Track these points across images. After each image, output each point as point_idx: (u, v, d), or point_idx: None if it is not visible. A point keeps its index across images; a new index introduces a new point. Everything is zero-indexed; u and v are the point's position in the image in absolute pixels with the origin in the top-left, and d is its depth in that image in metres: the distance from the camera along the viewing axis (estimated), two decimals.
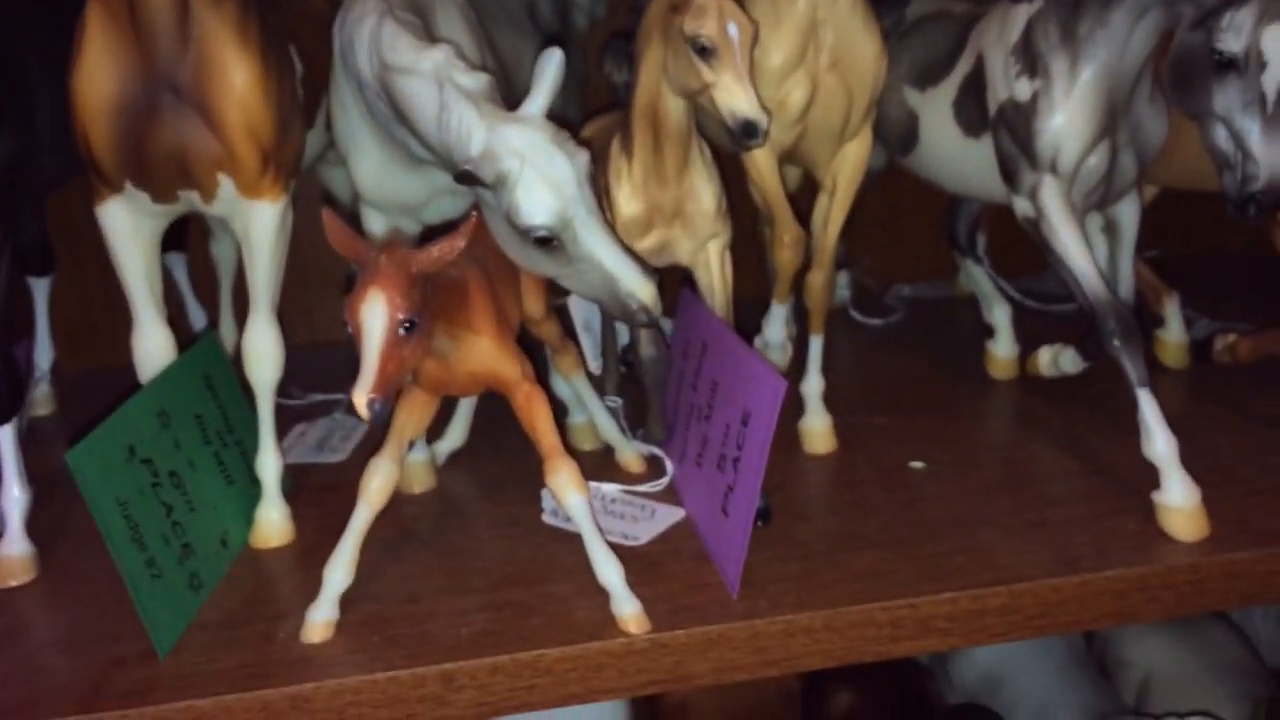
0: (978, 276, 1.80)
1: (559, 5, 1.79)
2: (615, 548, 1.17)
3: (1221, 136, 1.12)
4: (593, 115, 1.60)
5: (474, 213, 1.09)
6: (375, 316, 1.00)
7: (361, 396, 0.99)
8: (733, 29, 1.18)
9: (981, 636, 1.16)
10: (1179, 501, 1.21)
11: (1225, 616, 2.09)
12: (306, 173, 1.53)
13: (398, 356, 1.01)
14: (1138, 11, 1.19)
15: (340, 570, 1.15)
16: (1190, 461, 1.25)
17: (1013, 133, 1.32)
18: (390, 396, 1.01)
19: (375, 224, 1.44)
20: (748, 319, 1.67)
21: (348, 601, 1.16)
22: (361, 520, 1.17)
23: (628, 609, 1.11)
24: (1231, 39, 1.07)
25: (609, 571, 1.13)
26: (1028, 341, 1.75)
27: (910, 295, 2.23)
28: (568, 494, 1.15)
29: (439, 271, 1.07)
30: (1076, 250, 1.28)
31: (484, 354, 1.17)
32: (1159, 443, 1.23)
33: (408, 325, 1.01)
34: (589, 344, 1.65)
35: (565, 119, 1.64)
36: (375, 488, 1.17)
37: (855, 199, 1.77)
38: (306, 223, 1.35)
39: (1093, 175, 1.30)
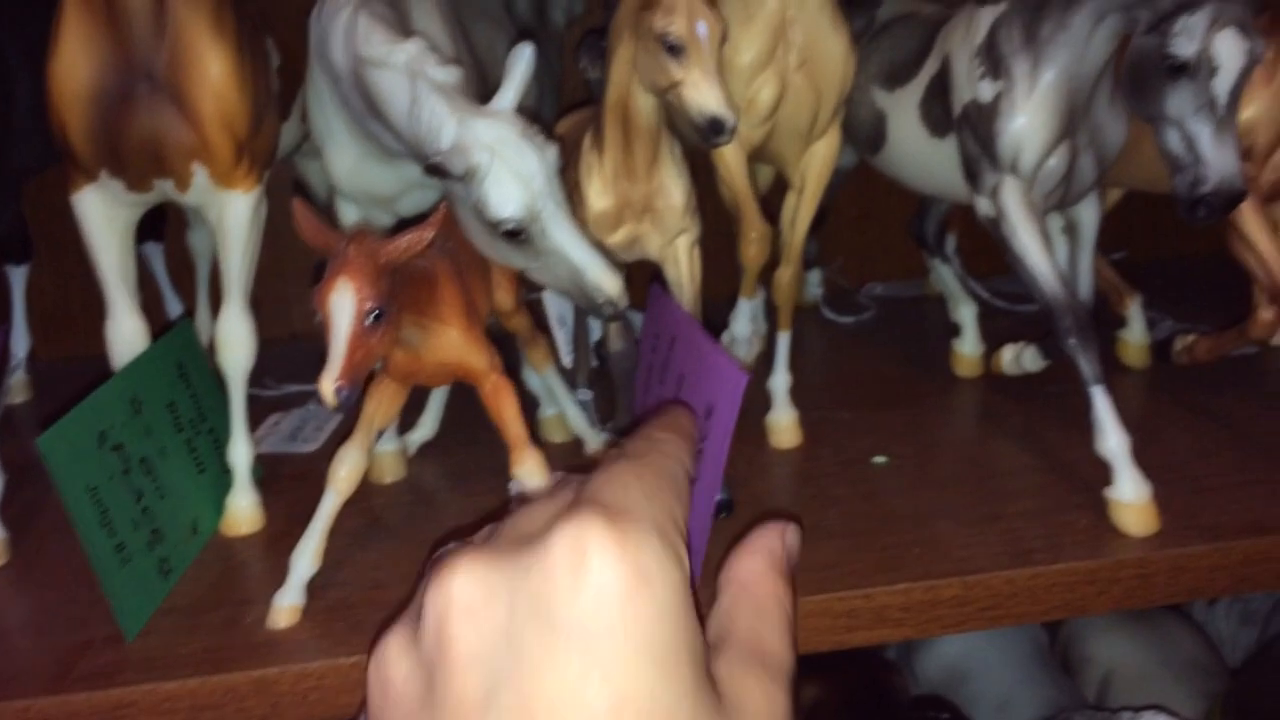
0: (945, 276, 1.83)
1: (536, 1, 1.81)
2: None
3: (1174, 139, 1.15)
4: (568, 110, 1.62)
5: (443, 205, 1.11)
6: (343, 305, 1.02)
7: (329, 384, 1.01)
8: (702, 27, 1.19)
9: (935, 627, 1.19)
10: (1130, 497, 1.24)
11: (1186, 614, 2.13)
12: (282, 163, 1.54)
13: (365, 345, 1.03)
14: (1097, 16, 1.22)
15: (307, 557, 1.17)
16: (1144, 458, 1.28)
17: (976, 133, 1.35)
18: (357, 384, 1.03)
19: (350, 216, 1.45)
20: (718, 315, 1.70)
21: (314, 588, 1.19)
22: (329, 508, 1.19)
23: None
24: (1184, 44, 1.09)
25: None
26: (995, 340, 1.78)
27: (882, 294, 2.26)
28: (533, 484, 1.17)
29: (408, 262, 1.08)
30: (1035, 250, 1.31)
31: (452, 345, 1.19)
32: (1111, 439, 1.26)
33: (375, 315, 1.03)
34: (562, 337, 1.67)
35: (538, 114, 1.67)
36: (343, 475, 1.19)
37: (825, 197, 1.80)
38: (283, 214, 1.36)
39: (1053, 176, 1.32)
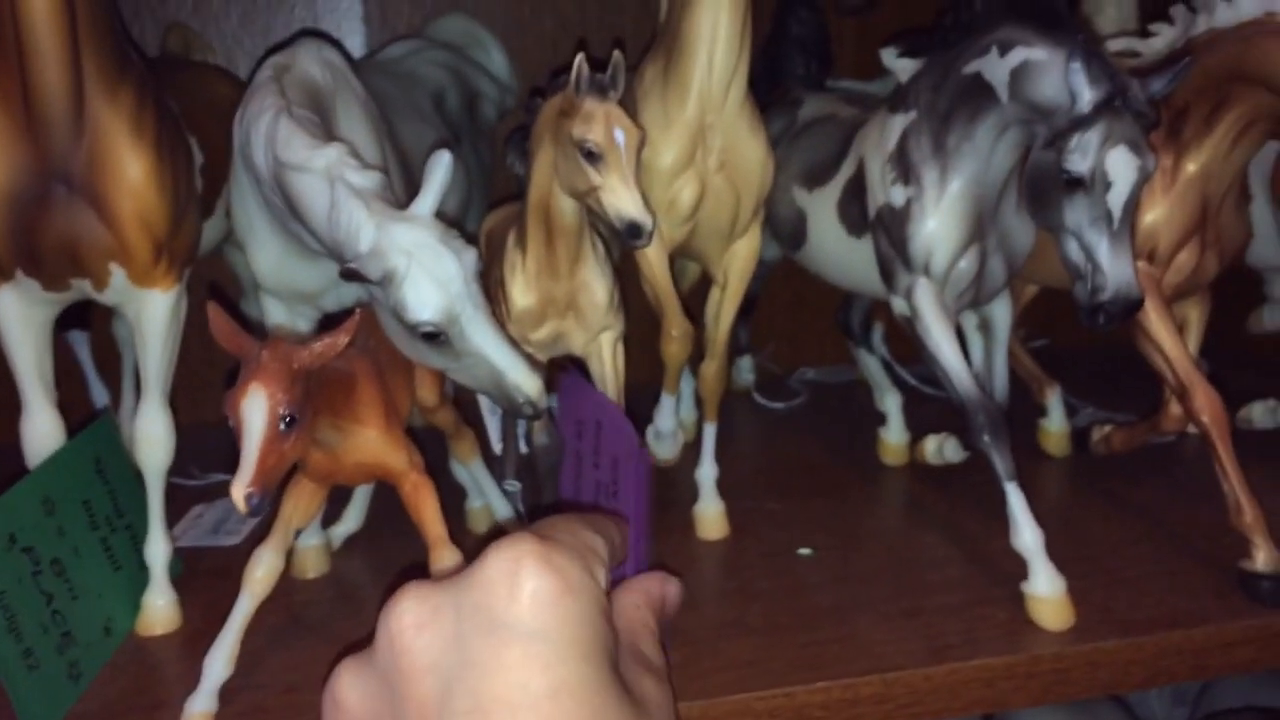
0: (869, 365, 1.86)
1: (466, 98, 1.84)
2: None
3: (1073, 249, 1.19)
4: (499, 204, 1.64)
5: (358, 310, 1.12)
6: (255, 411, 1.02)
7: (240, 490, 1.00)
8: (619, 135, 1.22)
9: None
10: (1045, 591, 1.26)
11: (1119, 697, 2.15)
12: (207, 256, 1.54)
13: (278, 451, 1.03)
14: (999, 128, 1.27)
15: (220, 661, 1.15)
16: (1061, 550, 1.30)
17: (889, 236, 1.39)
18: (270, 490, 1.02)
19: (275, 312, 1.45)
20: (647, 406, 1.71)
21: (229, 691, 1.16)
22: (244, 610, 1.17)
23: None
24: (1078, 160, 1.14)
25: None
26: (924, 426, 1.81)
27: (814, 379, 2.29)
28: None
29: (325, 364, 1.09)
30: (948, 349, 1.34)
31: (371, 445, 1.19)
32: (1026, 535, 1.28)
33: (288, 420, 1.03)
34: (494, 426, 1.67)
35: (465, 213, 1.69)
36: (258, 577, 1.18)
37: (753, 287, 1.84)
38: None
39: (964, 278, 1.36)
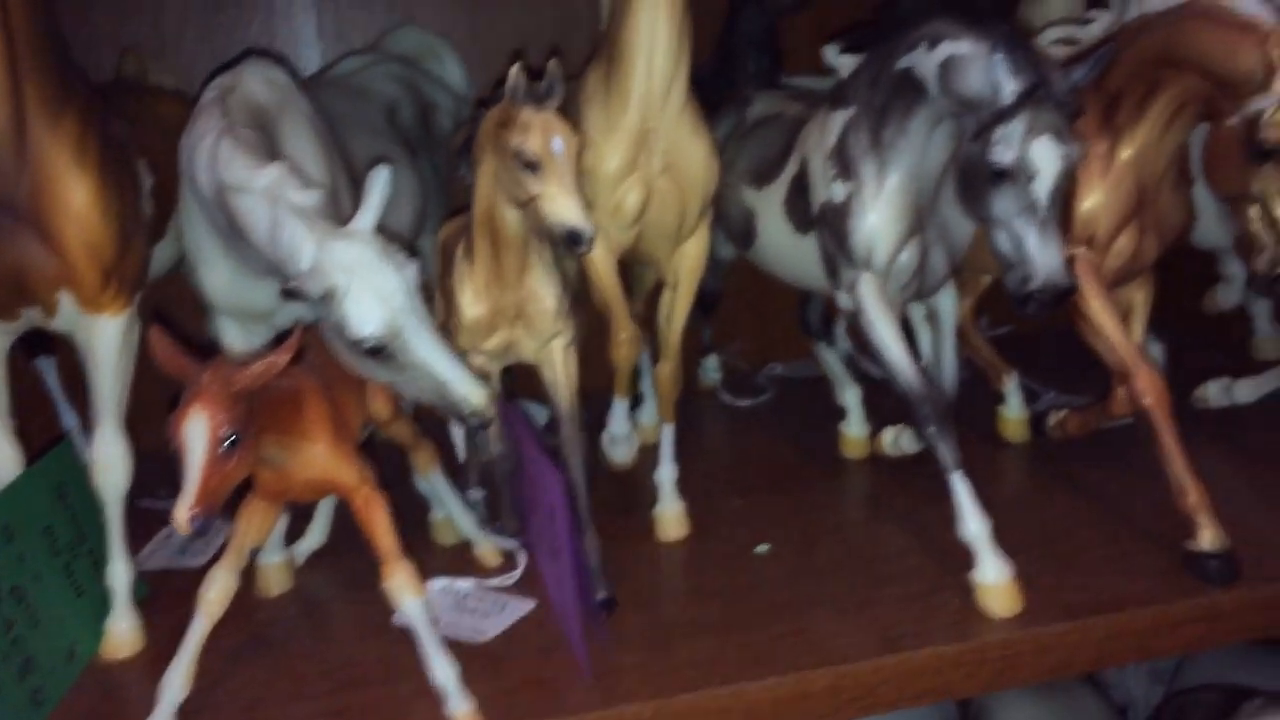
0: (829, 360, 1.87)
1: (421, 110, 1.85)
2: (463, 645, 1.22)
3: (1002, 240, 1.20)
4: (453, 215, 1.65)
5: (299, 328, 1.13)
6: (196, 433, 1.03)
7: (182, 511, 1.02)
8: (557, 143, 1.24)
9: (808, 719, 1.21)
10: (992, 579, 1.28)
11: (1096, 679, 2.16)
12: (164, 279, 1.55)
13: (220, 472, 1.04)
14: (932, 122, 1.28)
15: (176, 682, 1.17)
16: (1012, 536, 1.32)
17: (832, 231, 1.40)
18: (213, 510, 1.04)
19: (229, 332, 1.47)
20: (606, 411, 1.73)
21: (187, 713, 1.18)
22: (198, 632, 1.19)
23: (460, 709, 1.14)
24: (1003, 151, 1.15)
25: (443, 673, 1.16)
26: (887, 420, 1.81)
27: (782, 374, 2.30)
28: (403, 597, 1.18)
29: (271, 383, 1.10)
30: (892, 342, 1.36)
31: (319, 461, 1.21)
32: (971, 524, 1.30)
33: (230, 441, 1.04)
34: (458, 435, 1.68)
35: (418, 228, 1.70)
36: (212, 598, 1.19)
37: (714, 285, 1.86)
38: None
39: (906, 271, 1.37)
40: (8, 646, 1.20)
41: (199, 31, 2.02)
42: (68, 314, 1.29)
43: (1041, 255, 1.16)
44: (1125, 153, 1.39)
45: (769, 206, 1.55)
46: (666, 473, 1.58)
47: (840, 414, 1.86)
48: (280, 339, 1.25)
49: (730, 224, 1.64)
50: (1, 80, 1.17)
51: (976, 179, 1.19)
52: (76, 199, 1.24)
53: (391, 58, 1.94)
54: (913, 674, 1.22)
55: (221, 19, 2.03)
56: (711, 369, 2.22)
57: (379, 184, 1.20)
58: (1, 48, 1.16)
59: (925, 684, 1.23)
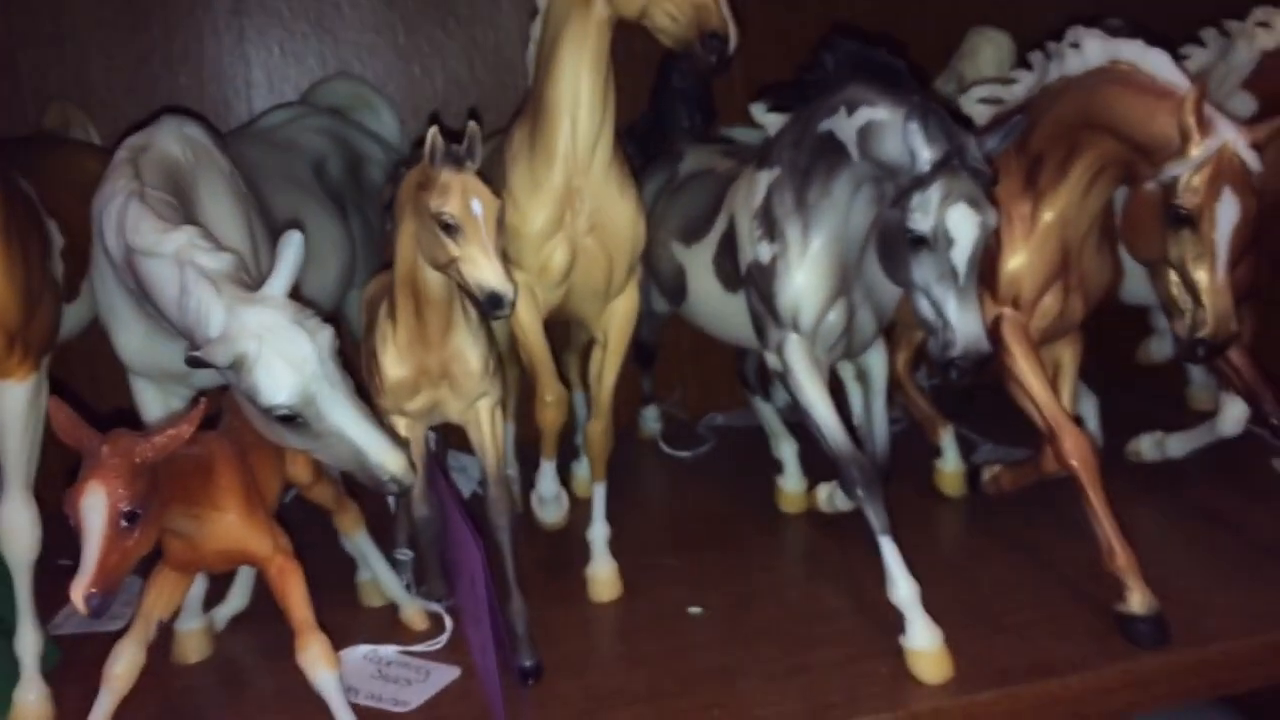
0: (766, 414, 1.86)
1: (350, 162, 1.83)
2: (386, 715, 1.20)
3: (923, 305, 1.20)
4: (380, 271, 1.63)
5: (203, 399, 1.10)
6: (94, 509, 1.00)
7: (79, 591, 0.99)
8: (476, 206, 1.21)
9: None
10: (922, 645, 1.26)
11: None
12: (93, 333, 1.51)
13: (120, 549, 1.01)
14: (854, 184, 1.28)
15: None
16: (944, 598, 1.31)
17: (759, 291, 1.39)
18: (112, 589, 1.00)
19: (146, 394, 1.43)
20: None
21: None
22: (104, 708, 1.15)
23: None
24: (920, 218, 1.15)
25: None
26: (824, 474, 1.77)
27: (723, 424, 2.28)
28: (317, 671, 1.15)
29: (179, 452, 1.07)
30: (819, 403, 1.35)
31: (230, 531, 1.18)
32: (901, 588, 1.28)
33: (130, 516, 1.01)
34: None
35: (314, 296, 1.67)
36: (118, 673, 1.16)
37: (650, 338, 1.84)
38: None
39: (833, 331, 1.37)
40: None
41: (126, 81, 1.99)
42: None
43: (961, 322, 1.16)
44: (1048, 214, 1.40)
45: (698, 263, 1.54)
46: (598, 532, 1.55)
47: (778, 467, 1.85)
48: (197, 401, 1.23)
49: (662, 280, 1.63)
50: None
51: (896, 244, 1.18)
52: None
53: (321, 110, 1.92)
54: None
55: (148, 69, 1.99)
56: (651, 419, 2.20)
57: (292, 248, 1.17)
58: None
59: None
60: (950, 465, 1.81)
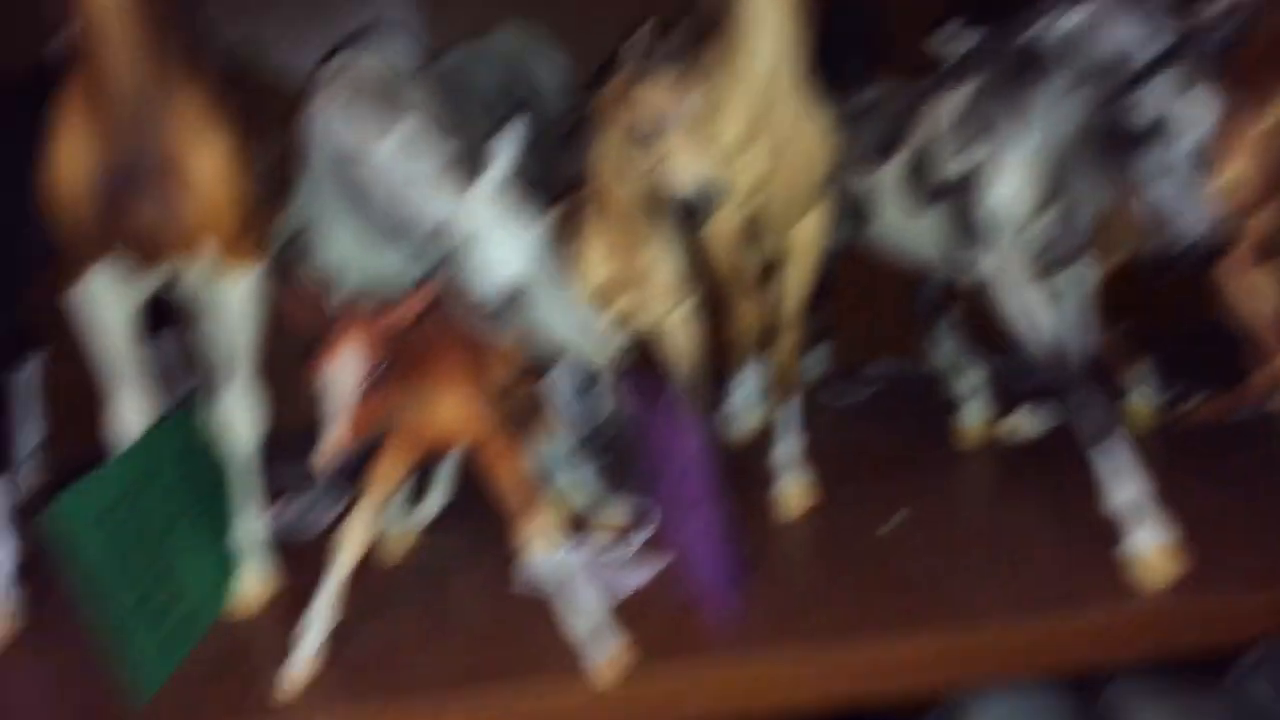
0: (945, 347, 1.83)
1: (522, 103, 1.85)
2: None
3: (1149, 201, 1.17)
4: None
5: (431, 280, 1.15)
6: (346, 370, 1.06)
7: (331, 448, 1.04)
8: (674, 115, 1.24)
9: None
10: (1152, 545, 1.24)
11: None
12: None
13: (367, 409, 1.07)
14: (1058, 92, 1.26)
15: (324, 613, 1.19)
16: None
17: (960, 206, 1.39)
18: (358, 445, 1.05)
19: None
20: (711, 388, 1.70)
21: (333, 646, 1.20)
22: (344, 565, 1.21)
23: (610, 645, 1.16)
24: (1148, 109, 1.13)
25: (586, 615, 1.17)
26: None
27: (882, 373, 2.23)
28: (538, 550, 1.18)
29: (409, 332, 1.12)
30: (1029, 309, 1.34)
31: (452, 410, 1.21)
32: (1128, 489, 1.26)
33: (376, 380, 1.07)
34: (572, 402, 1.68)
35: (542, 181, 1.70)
36: (355, 535, 1.21)
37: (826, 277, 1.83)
38: None
39: (1037, 241, 1.35)
40: (150, 582, 1.22)
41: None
42: (203, 269, 1.31)
43: (1192, 213, 1.13)
44: (1269, 120, 1.36)
45: (886, 186, 1.54)
46: (791, 446, 1.55)
47: (948, 407, 1.82)
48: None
49: (843, 208, 1.63)
50: (147, 35, 1.19)
51: (1120, 140, 1.16)
52: (219, 151, 1.26)
53: (491, 53, 1.96)
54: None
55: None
56: (813, 365, 2.17)
57: (509, 140, 1.20)
58: (145, 6, 1.18)
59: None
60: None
